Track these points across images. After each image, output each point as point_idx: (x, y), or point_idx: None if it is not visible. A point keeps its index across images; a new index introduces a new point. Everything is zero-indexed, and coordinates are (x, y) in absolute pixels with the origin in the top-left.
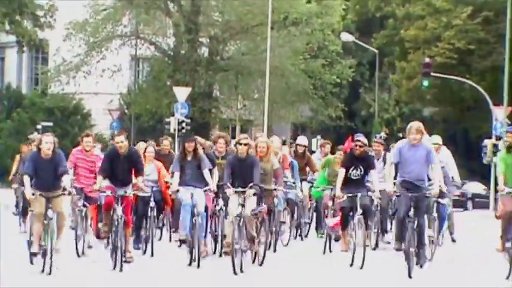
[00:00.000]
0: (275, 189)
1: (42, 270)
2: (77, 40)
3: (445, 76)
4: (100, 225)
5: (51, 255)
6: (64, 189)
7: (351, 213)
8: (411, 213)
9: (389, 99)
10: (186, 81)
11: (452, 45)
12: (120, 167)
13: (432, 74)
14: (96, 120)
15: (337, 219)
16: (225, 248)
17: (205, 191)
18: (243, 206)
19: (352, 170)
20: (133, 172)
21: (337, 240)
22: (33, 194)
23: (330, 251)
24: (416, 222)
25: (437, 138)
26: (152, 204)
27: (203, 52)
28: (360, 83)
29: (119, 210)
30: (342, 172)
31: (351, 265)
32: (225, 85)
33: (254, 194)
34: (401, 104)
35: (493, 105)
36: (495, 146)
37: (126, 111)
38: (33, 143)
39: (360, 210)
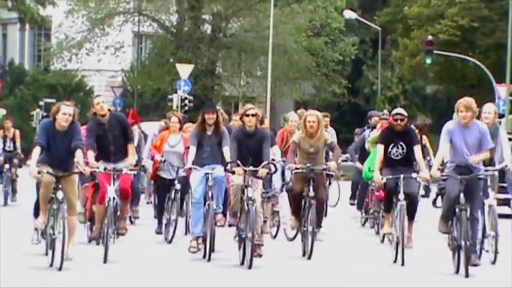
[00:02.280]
0: (325, 169)
1: (51, 265)
2: (79, 17)
3: (448, 54)
4: (94, 207)
5: (63, 248)
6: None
7: (395, 195)
8: (462, 199)
9: (392, 77)
10: (188, 59)
11: (455, 22)
12: (107, 138)
13: (435, 51)
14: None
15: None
16: (229, 219)
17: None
18: (246, 188)
19: (392, 148)
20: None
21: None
22: (39, 173)
23: (377, 233)
24: (468, 210)
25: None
26: (178, 186)
27: (206, 29)
28: (363, 61)
29: (111, 190)
30: (380, 149)
31: (395, 261)
32: (227, 62)
33: (268, 174)
34: (404, 81)
35: (496, 83)
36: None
37: (128, 88)
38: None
39: (402, 197)
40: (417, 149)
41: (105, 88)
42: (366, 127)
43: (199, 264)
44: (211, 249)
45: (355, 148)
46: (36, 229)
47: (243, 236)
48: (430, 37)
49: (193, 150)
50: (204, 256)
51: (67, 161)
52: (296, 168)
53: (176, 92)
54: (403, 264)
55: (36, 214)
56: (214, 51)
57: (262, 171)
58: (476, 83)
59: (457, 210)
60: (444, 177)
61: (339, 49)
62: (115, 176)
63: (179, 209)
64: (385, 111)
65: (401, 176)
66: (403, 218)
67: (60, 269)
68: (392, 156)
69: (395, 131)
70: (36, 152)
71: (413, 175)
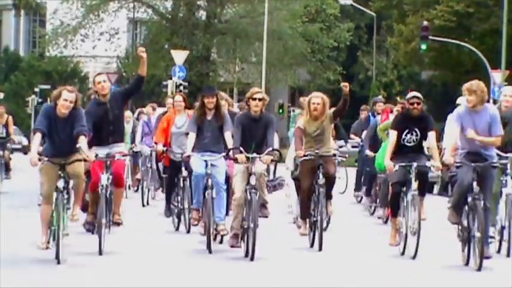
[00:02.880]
0: (335, 155)
1: (57, 260)
2: (74, 2)
3: (443, 39)
4: (87, 196)
5: (59, 238)
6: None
7: (404, 191)
8: (475, 188)
9: (387, 63)
10: (183, 45)
11: (451, 8)
12: (108, 118)
13: (430, 37)
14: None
15: None
16: (230, 240)
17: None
18: (250, 175)
19: (406, 135)
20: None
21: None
22: (40, 160)
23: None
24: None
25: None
26: (185, 173)
27: (201, 15)
28: (358, 47)
29: (104, 178)
30: (393, 135)
31: (402, 254)
32: (222, 48)
33: (272, 161)
34: (399, 67)
35: (491, 69)
36: None
37: (124, 74)
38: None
39: (414, 185)
40: (432, 136)
41: None
42: (370, 113)
43: (200, 256)
44: (209, 241)
45: (369, 137)
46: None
47: (245, 226)
48: (425, 23)
49: (192, 136)
50: (208, 247)
51: (70, 148)
52: (304, 156)
53: (171, 78)
54: (414, 257)
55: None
56: (209, 37)
57: (266, 158)
58: (472, 68)
59: (469, 199)
60: (457, 165)
61: (334, 35)
62: (108, 162)
63: (190, 197)
64: (380, 97)
65: (414, 164)
66: (417, 207)
67: (58, 262)
68: (406, 143)
69: (410, 116)
70: (37, 138)
71: (427, 163)
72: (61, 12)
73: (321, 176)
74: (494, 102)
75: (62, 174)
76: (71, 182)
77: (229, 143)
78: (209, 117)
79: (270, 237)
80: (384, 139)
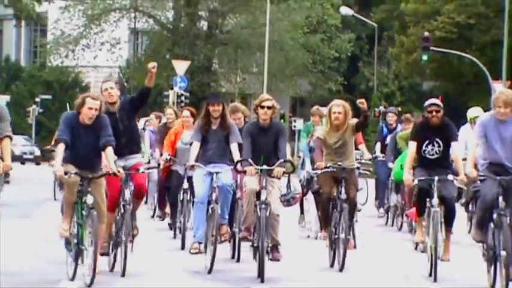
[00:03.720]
0: (358, 168)
1: (72, 278)
2: (75, 12)
3: (444, 50)
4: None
5: (95, 265)
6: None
7: (429, 197)
8: (501, 203)
9: (389, 73)
10: (185, 55)
11: (452, 19)
12: (119, 129)
13: (432, 48)
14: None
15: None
16: (242, 233)
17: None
18: (263, 189)
19: (427, 146)
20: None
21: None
22: (66, 173)
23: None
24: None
25: (478, 111)
26: (186, 185)
27: (202, 25)
28: (359, 57)
29: (127, 193)
30: (411, 146)
31: (430, 275)
32: (224, 59)
33: (284, 173)
34: (400, 78)
35: (492, 80)
36: None
37: (125, 84)
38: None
39: (436, 200)
40: (455, 146)
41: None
42: (383, 124)
43: (198, 278)
44: (213, 261)
45: (391, 150)
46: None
47: (255, 244)
48: (426, 33)
49: (196, 146)
50: (210, 269)
51: (94, 160)
52: (325, 167)
53: (172, 89)
54: (435, 280)
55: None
56: (211, 47)
57: (278, 171)
58: (473, 79)
59: (495, 215)
60: (481, 178)
61: (335, 46)
62: (127, 176)
63: (190, 210)
64: (393, 108)
65: (436, 178)
66: (437, 226)
67: (90, 285)
68: (427, 155)
69: (430, 125)
70: (61, 149)
71: (449, 177)
72: (62, 22)
73: (343, 190)
74: None
75: (89, 189)
76: (89, 199)
77: (236, 155)
78: (214, 127)
79: (285, 256)
80: (403, 148)
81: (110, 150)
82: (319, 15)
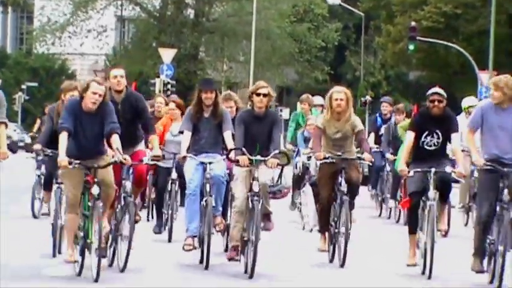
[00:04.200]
0: (359, 158)
1: (79, 273)
2: (62, 0)
3: (431, 40)
4: None
5: (100, 255)
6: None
7: (423, 201)
8: (505, 196)
9: (375, 63)
10: (171, 43)
11: (439, 9)
12: (122, 120)
13: (418, 37)
14: (81, 81)
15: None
16: (229, 253)
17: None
18: (252, 181)
19: (426, 137)
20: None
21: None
22: (70, 163)
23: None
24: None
25: (473, 100)
26: (174, 175)
27: (189, 13)
28: (346, 46)
29: (128, 184)
30: (409, 136)
31: (423, 273)
32: (210, 47)
33: (278, 165)
34: (387, 67)
35: (479, 70)
36: None
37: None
38: (70, 91)
39: (432, 193)
40: (456, 138)
41: (87, 72)
42: (377, 114)
43: (195, 272)
44: (208, 256)
45: (387, 141)
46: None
47: (245, 238)
48: (413, 23)
49: (187, 135)
50: (201, 262)
51: (98, 149)
52: (325, 158)
53: (159, 77)
54: (429, 277)
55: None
56: (197, 35)
57: (272, 162)
58: (459, 69)
59: (498, 208)
60: (487, 167)
61: (322, 35)
62: (128, 167)
63: (178, 201)
64: (388, 97)
65: (433, 170)
66: (433, 220)
67: (96, 280)
68: (426, 146)
69: (430, 116)
70: (63, 138)
71: (448, 169)
72: (49, 9)
73: (343, 181)
74: None
75: (95, 180)
76: (94, 189)
77: (230, 144)
78: (206, 115)
79: (276, 251)
80: (403, 139)
81: (115, 138)
82: (306, 4)
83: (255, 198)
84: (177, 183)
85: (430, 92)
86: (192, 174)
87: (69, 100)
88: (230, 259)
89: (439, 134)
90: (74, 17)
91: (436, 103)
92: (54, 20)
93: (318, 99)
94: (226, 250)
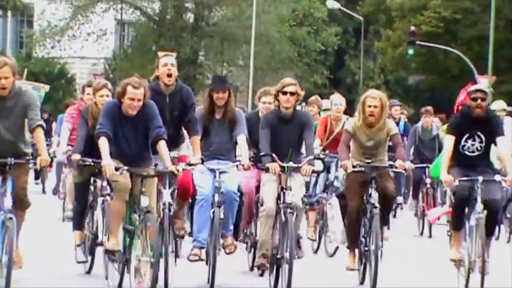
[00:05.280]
0: (391, 166)
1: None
2: (62, 3)
3: (430, 45)
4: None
5: (154, 276)
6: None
7: (468, 208)
8: None
9: (375, 67)
10: (171, 47)
11: (438, 14)
12: (165, 117)
13: (418, 42)
14: (80, 85)
15: (442, 209)
16: (258, 260)
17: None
18: (284, 190)
19: (467, 141)
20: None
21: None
22: (117, 170)
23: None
24: None
25: (501, 104)
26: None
27: (189, 18)
28: (345, 51)
29: (166, 194)
30: (449, 141)
31: None
32: (210, 51)
33: (313, 172)
34: (386, 72)
35: (478, 75)
36: None
37: (110, 75)
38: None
39: (480, 206)
40: (502, 142)
41: (87, 76)
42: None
43: None
44: (214, 274)
45: (410, 147)
46: (79, 245)
47: (278, 256)
48: (412, 28)
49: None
50: (209, 281)
51: (142, 156)
52: (353, 167)
53: None
54: None
55: (77, 225)
56: (197, 39)
57: (306, 169)
58: (459, 74)
59: None
60: None
61: (322, 39)
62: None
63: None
64: (396, 101)
65: (480, 178)
66: (482, 236)
67: None
68: (466, 152)
69: (472, 116)
70: (104, 143)
71: (497, 178)
72: (48, 13)
73: (373, 193)
74: None
75: (143, 190)
76: (143, 200)
77: (243, 149)
78: (218, 116)
79: (303, 270)
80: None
81: (162, 144)
82: (306, 8)
83: (288, 210)
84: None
85: (472, 88)
86: (204, 180)
87: (106, 104)
88: (260, 267)
89: (482, 137)
90: (74, 21)
91: (479, 102)
92: (54, 24)
93: (326, 104)
94: (252, 269)
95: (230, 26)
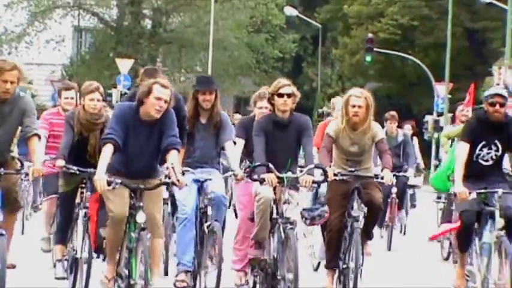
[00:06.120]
0: (376, 176)
1: None
2: (18, 9)
3: (388, 52)
4: (102, 230)
5: None
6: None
7: (477, 224)
8: None
9: (332, 74)
10: (128, 53)
11: (395, 21)
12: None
13: (375, 49)
14: (37, 91)
15: (447, 225)
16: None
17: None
18: (281, 204)
19: (482, 149)
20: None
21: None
22: (109, 184)
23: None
24: None
25: None
26: (164, 195)
27: (146, 24)
28: (303, 58)
29: (141, 216)
30: (463, 149)
31: None
32: (168, 57)
33: (314, 183)
34: (344, 79)
35: (435, 82)
36: (436, 122)
37: (68, 82)
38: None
39: (500, 221)
40: None
41: (44, 82)
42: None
43: None
44: None
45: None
46: (60, 260)
47: (279, 277)
48: (370, 35)
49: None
50: None
51: (150, 167)
52: (335, 175)
53: (116, 87)
54: None
55: (60, 239)
56: (155, 46)
57: (306, 179)
58: (416, 81)
59: None
60: None
61: (279, 46)
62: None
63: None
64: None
65: (499, 191)
66: (503, 254)
67: None
68: (480, 160)
69: (489, 122)
70: (108, 152)
71: None
72: (5, 19)
73: (355, 205)
74: (439, 114)
75: (139, 204)
76: (140, 216)
77: (232, 157)
78: (203, 120)
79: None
80: (446, 150)
81: (173, 154)
82: (264, 15)
83: (288, 226)
84: (169, 203)
85: (489, 92)
86: (186, 195)
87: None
88: (254, 259)
89: (499, 145)
90: (31, 27)
91: (497, 107)
92: (10, 30)
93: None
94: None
95: (188, 32)
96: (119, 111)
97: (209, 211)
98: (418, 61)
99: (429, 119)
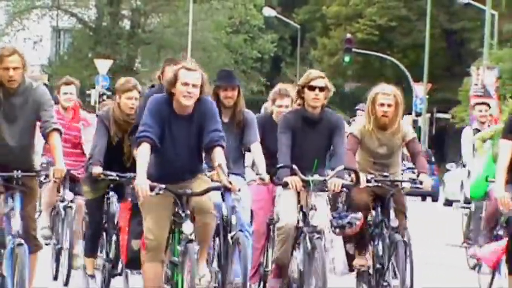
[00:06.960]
0: (413, 181)
1: None
2: None
3: (366, 52)
4: (134, 243)
5: None
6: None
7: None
8: None
9: None
10: (107, 54)
11: (373, 21)
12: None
13: (354, 50)
14: None
15: (497, 246)
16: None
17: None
18: (312, 209)
19: None
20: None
21: None
22: (152, 189)
23: None
24: None
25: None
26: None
27: (125, 25)
28: (282, 58)
29: (188, 226)
30: (507, 149)
31: None
32: (146, 58)
33: (343, 187)
34: None
35: (414, 82)
36: (414, 121)
37: (46, 82)
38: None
39: None
40: None
41: None
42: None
43: None
44: None
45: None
46: (92, 276)
47: None
48: (348, 35)
49: None
50: None
51: (192, 167)
52: (368, 181)
53: (94, 88)
54: None
55: (90, 250)
56: (133, 47)
57: (335, 183)
58: (394, 81)
59: None
60: None
61: (258, 46)
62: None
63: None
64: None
65: None
66: None
67: None
68: None
69: None
70: (144, 153)
71: None
72: None
73: (392, 213)
74: (417, 114)
75: (184, 212)
76: (186, 226)
77: (258, 159)
78: (226, 119)
79: None
80: (481, 153)
81: (218, 151)
82: (242, 16)
83: (316, 235)
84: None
85: None
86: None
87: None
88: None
89: None
90: (10, 27)
91: None
92: None
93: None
94: None
95: (166, 33)
96: (152, 103)
97: (233, 220)
98: (396, 61)
99: (408, 118)
